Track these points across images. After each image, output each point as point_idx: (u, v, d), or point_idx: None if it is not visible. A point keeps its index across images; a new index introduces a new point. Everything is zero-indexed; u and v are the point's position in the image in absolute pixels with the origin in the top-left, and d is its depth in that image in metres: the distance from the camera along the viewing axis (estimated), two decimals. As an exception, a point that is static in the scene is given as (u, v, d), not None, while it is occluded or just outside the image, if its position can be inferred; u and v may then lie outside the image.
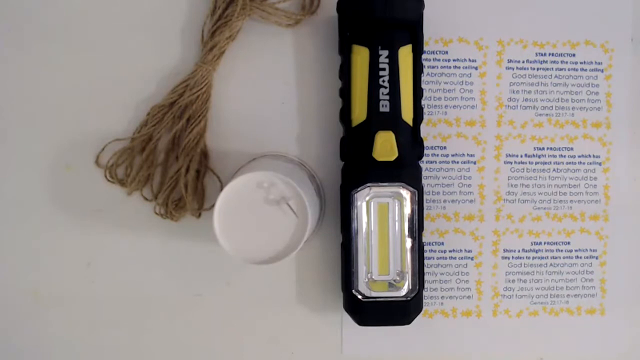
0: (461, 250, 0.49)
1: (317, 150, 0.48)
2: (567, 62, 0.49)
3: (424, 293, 0.48)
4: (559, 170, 0.49)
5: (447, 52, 0.48)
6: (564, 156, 0.49)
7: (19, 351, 0.48)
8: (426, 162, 0.48)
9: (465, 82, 0.49)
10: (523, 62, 0.49)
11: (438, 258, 0.49)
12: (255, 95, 0.48)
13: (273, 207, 0.40)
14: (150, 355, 0.49)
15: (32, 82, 0.47)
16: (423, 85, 0.47)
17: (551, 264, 0.49)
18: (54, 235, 0.48)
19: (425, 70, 0.48)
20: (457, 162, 0.49)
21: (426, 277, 0.48)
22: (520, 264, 0.49)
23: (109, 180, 0.47)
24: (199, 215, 0.47)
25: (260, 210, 0.40)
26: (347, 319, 0.46)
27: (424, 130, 0.48)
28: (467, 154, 0.49)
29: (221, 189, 0.41)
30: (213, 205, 0.40)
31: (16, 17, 0.47)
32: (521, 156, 0.49)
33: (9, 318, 0.48)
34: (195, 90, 0.46)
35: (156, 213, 0.47)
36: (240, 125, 0.48)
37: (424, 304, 0.47)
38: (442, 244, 0.49)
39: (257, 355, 0.49)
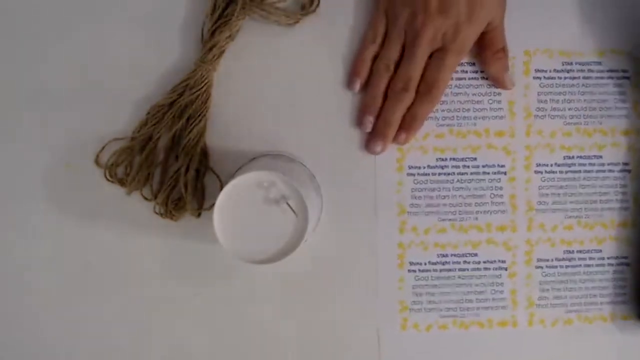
0: (495, 261, 0.49)
1: (317, 150, 0.48)
2: (593, 71, 0.49)
3: (460, 305, 0.48)
4: (589, 179, 0.49)
5: (474, 64, 0.49)
6: (594, 164, 0.49)
7: (19, 351, 0.48)
8: (457, 174, 0.49)
9: (493, 92, 0.49)
10: (550, 71, 0.49)
11: (472, 269, 0.49)
12: (255, 95, 0.48)
13: (273, 206, 0.40)
14: (151, 355, 0.48)
15: (32, 81, 0.47)
16: (453, 97, 0.47)
17: (584, 272, 0.49)
18: (53, 234, 0.47)
19: (454, 82, 0.48)
20: (488, 173, 0.49)
21: (461, 289, 0.48)
22: (554, 273, 0.49)
23: (108, 180, 0.47)
24: (199, 214, 0.47)
25: (260, 210, 0.40)
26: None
27: (453, 141, 0.48)
28: (498, 165, 0.49)
29: (221, 189, 0.41)
30: (213, 205, 0.40)
31: (16, 16, 0.47)
32: (551, 165, 0.49)
33: (9, 318, 0.48)
34: (195, 89, 0.46)
35: (156, 212, 0.47)
36: (240, 125, 0.48)
37: (460, 315, 0.47)
38: (476, 255, 0.49)
39: (257, 355, 0.48)
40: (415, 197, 0.48)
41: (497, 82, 0.48)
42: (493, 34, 0.46)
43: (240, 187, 0.40)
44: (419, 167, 0.48)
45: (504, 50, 0.47)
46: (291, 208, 0.40)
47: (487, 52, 0.47)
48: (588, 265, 0.49)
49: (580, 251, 0.49)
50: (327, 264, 0.48)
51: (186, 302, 0.48)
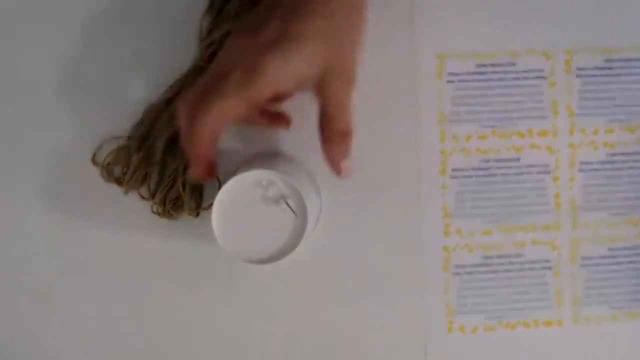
0: (540, 261, 0.49)
1: (317, 150, 0.48)
2: (634, 67, 0.49)
3: (506, 306, 0.48)
4: (633, 176, 0.49)
5: (514, 64, 0.48)
6: (637, 161, 0.49)
7: (19, 351, 0.48)
8: (501, 175, 0.48)
9: (536, 92, 0.48)
10: (591, 69, 0.49)
11: (517, 270, 0.49)
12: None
13: (272, 205, 0.40)
14: (151, 355, 0.48)
15: (30, 80, 0.47)
16: (495, 98, 0.47)
17: (628, 269, 0.49)
18: (50, 234, 0.47)
19: (495, 83, 0.48)
20: (532, 173, 0.48)
21: (506, 290, 0.48)
22: (599, 271, 0.49)
23: (105, 179, 0.47)
24: (197, 214, 0.47)
25: (259, 209, 0.40)
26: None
27: (496, 143, 0.48)
28: (542, 164, 0.49)
29: (219, 188, 0.40)
30: (211, 204, 0.40)
31: (15, 16, 0.47)
32: (594, 163, 0.49)
33: (9, 318, 0.47)
34: (192, 87, 0.45)
35: (153, 212, 0.47)
36: (239, 124, 0.47)
37: (506, 316, 0.47)
38: (521, 255, 0.49)
39: (257, 355, 0.48)
40: (460, 200, 0.48)
41: (334, 168, 0.39)
42: (331, 110, 0.38)
43: (239, 186, 0.40)
44: (463, 170, 0.48)
45: (349, 133, 0.38)
46: (290, 208, 0.40)
47: (327, 131, 0.38)
48: (632, 262, 0.49)
49: (624, 248, 0.49)
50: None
51: (186, 302, 0.48)
